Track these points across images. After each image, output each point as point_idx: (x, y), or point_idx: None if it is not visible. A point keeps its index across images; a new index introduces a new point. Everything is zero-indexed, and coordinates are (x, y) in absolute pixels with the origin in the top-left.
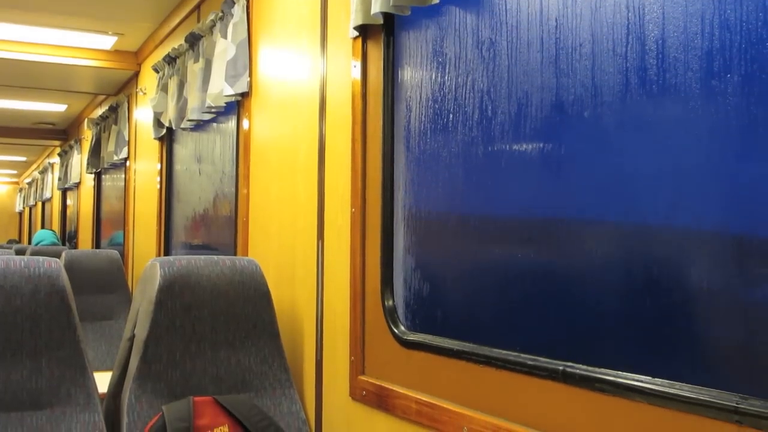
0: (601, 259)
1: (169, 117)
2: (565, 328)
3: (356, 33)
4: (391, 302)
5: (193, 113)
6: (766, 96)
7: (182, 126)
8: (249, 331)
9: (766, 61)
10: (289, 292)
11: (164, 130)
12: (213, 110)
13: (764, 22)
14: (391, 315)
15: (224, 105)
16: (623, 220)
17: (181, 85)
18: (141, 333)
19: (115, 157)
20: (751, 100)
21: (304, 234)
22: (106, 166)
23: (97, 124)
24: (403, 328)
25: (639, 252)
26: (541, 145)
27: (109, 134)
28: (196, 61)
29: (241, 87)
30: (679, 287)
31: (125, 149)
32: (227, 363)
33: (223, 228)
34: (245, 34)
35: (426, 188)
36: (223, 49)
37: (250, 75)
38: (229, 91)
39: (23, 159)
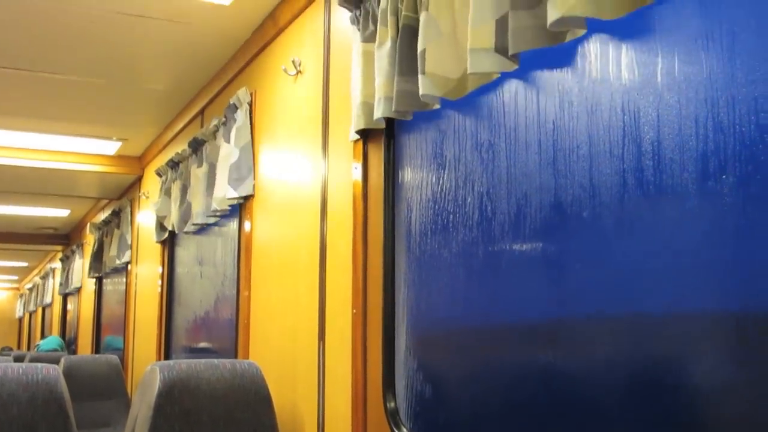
0: (603, 357)
1: (172, 221)
2: (573, 430)
3: (357, 136)
4: (393, 404)
5: (198, 217)
6: (760, 196)
7: (186, 230)
8: None
9: (760, 162)
10: (291, 394)
11: (166, 234)
12: (218, 213)
13: (756, 125)
14: (393, 417)
15: (228, 208)
16: (624, 317)
17: (184, 189)
18: None
19: (118, 261)
20: (746, 200)
21: (306, 336)
22: (108, 270)
23: (100, 228)
24: (405, 430)
25: (642, 349)
26: (541, 245)
27: (112, 238)
28: (200, 165)
29: (246, 190)
30: (685, 384)
31: (128, 253)
32: None
33: (224, 330)
34: (248, 138)
35: (427, 289)
36: (227, 153)
37: (254, 177)
38: (233, 194)
39: (24, 264)
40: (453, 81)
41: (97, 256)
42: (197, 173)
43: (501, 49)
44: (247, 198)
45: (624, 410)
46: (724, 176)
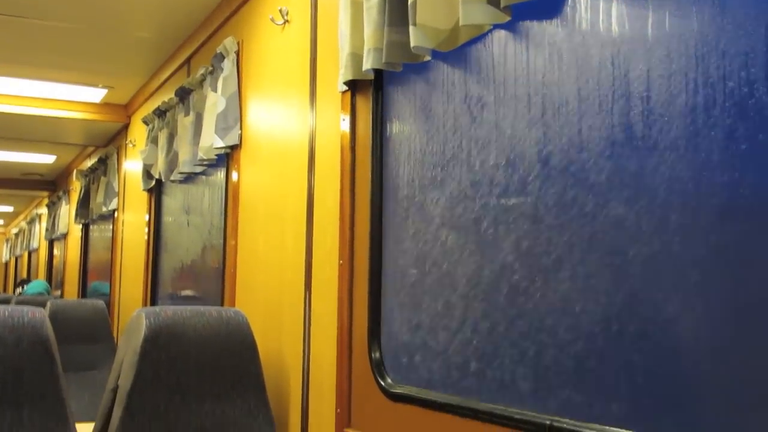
0: (589, 308)
1: (159, 169)
2: (552, 382)
3: (345, 88)
4: (378, 354)
5: (184, 166)
6: (747, 151)
7: (172, 178)
8: (234, 383)
9: (748, 118)
10: (276, 343)
11: (153, 182)
12: (204, 162)
13: (746, 80)
14: (377, 367)
15: (215, 157)
16: (610, 269)
17: (171, 138)
18: (125, 384)
19: (104, 209)
20: (733, 155)
21: (292, 285)
22: (94, 217)
23: (86, 175)
24: (389, 380)
25: (629, 302)
26: (528, 199)
27: (98, 186)
28: (187, 114)
29: (232, 139)
30: (667, 341)
31: (115, 200)
32: (212, 415)
33: (211, 279)
34: (235, 88)
35: (413, 242)
36: (214, 102)
37: (241, 127)
38: (220, 143)
39: (10, 209)
40: (444, 32)
41: (84, 203)
42: (184, 122)
43: (493, 0)
44: (234, 148)
45: (605, 360)
46: (712, 132)
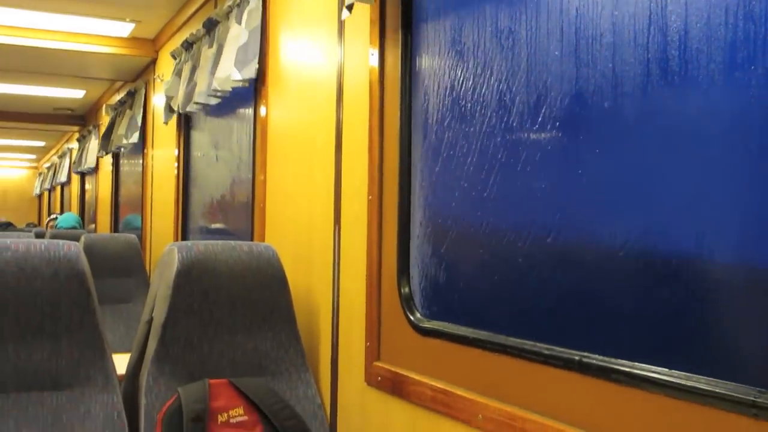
0: (618, 249)
1: (178, 101)
2: (583, 318)
3: (348, 12)
4: (407, 289)
5: (199, 96)
6: None
7: (188, 109)
8: (266, 316)
9: None
10: (306, 277)
11: (174, 115)
12: (218, 94)
13: None
14: (407, 302)
15: (230, 90)
16: (641, 214)
17: (194, 70)
18: (159, 316)
19: (125, 141)
20: None
21: (321, 220)
22: (114, 149)
23: (115, 109)
24: (419, 315)
25: (656, 242)
26: (560, 137)
27: (123, 118)
28: (210, 46)
29: (249, 73)
30: (697, 277)
31: (136, 134)
32: (243, 347)
33: (240, 214)
34: (258, 21)
35: (443, 177)
36: (236, 34)
37: (266, 61)
38: (237, 76)
39: (42, 144)
40: None
41: (107, 135)
42: (207, 53)
43: None
44: (260, 81)
45: (634, 299)
46: (752, 67)
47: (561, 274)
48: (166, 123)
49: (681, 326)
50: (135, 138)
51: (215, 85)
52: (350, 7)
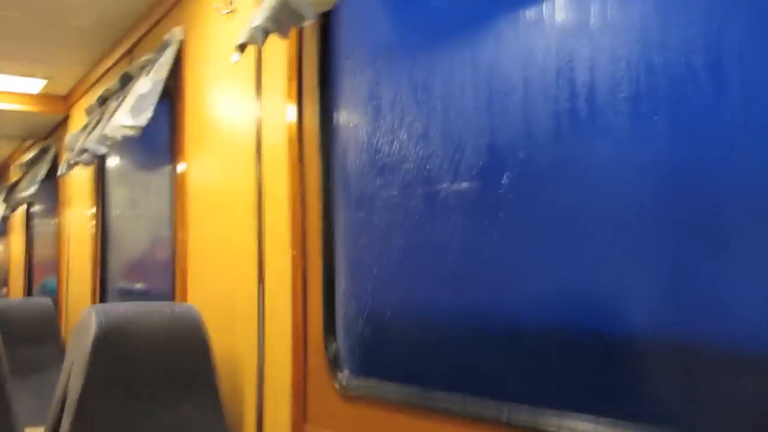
0: (543, 300)
1: (75, 152)
2: (509, 369)
3: (239, 55)
4: (333, 347)
5: (89, 144)
6: (688, 137)
7: (77, 159)
8: (188, 384)
9: (690, 104)
10: (230, 338)
11: (70, 168)
12: (108, 143)
13: (687, 66)
14: (333, 360)
15: (119, 138)
16: (560, 255)
17: (98, 123)
18: (75, 388)
19: (23, 194)
20: (675, 140)
21: (245, 278)
22: (13, 203)
23: (26, 167)
24: (346, 373)
25: (580, 292)
26: (476, 186)
27: (28, 174)
28: (119, 99)
29: (141, 120)
30: (621, 328)
31: (34, 188)
32: (166, 418)
33: (161, 273)
34: (165, 74)
35: (365, 232)
36: (141, 85)
37: (184, 116)
38: (128, 122)
39: None
40: None
41: (9, 192)
42: (112, 107)
43: None
44: (176, 136)
45: (560, 350)
46: (655, 117)
47: (488, 323)
48: (59, 177)
49: (608, 375)
50: (31, 193)
51: (106, 131)
52: (242, 47)
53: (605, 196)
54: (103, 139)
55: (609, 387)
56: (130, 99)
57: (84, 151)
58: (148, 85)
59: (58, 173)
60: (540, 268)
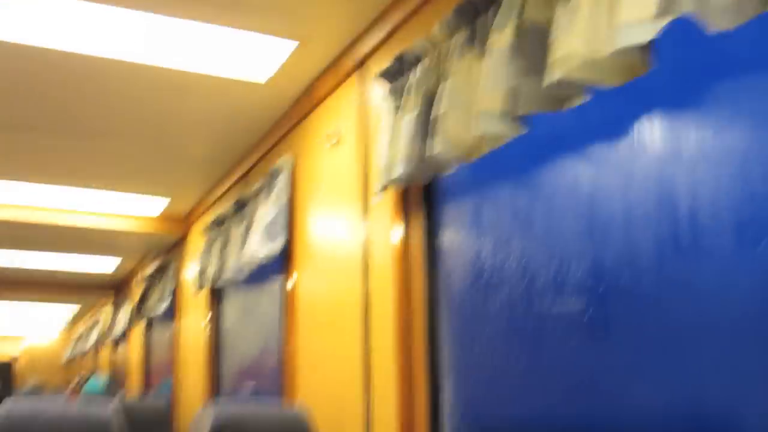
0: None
1: (209, 275)
2: None
3: (380, 195)
4: None
5: (229, 272)
6: None
7: (219, 284)
8: None
9: None
10: None
11: (204, 286)
12: (246, 269)
13: None
14: None
15: (256, 265)
16: (665, 374)
17: (224, 246)
18: None
19: (157, 311)
20: None
21: (350, 386)
22: (146, 316)
23: (148, 281)
24: None
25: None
26: (581, 310)
27: (155, 289)
28: (240, 223)
29: (276, 248)
30: None
31: (165, 304)
32: None
33: (269, 385)
34: (286, 199)
35: (469, 347)
36: (264, 212)
37: (294, 236)
38: (264, 251)
39: (73, 313)
40: (465, 144)
41: (140, 304)
42: (236, 231)
43: (508, 112)
44: (288, 255)
45: None
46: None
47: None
48: (195, 295)
49: None
50: (164, 307)
51: (243, 260)
52: (385, 188)
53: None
54: (243, 265)
55: None
56: (258, 227)
57: (219, 276)
58: (272, 212)
59: (193, 291)
60: (648, 388)
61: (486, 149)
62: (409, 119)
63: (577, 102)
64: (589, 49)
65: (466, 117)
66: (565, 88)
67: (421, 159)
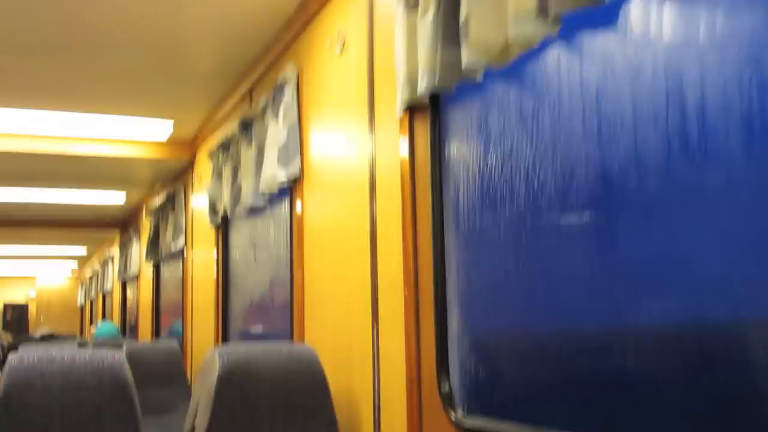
0: (658, 329)
1: (224, 204)
2: (626, 408)
3: (402, 113)
4: (447, 386)
5: (248, 199)
6: None
7: (237, 212)
8: (307, 421)
9: None
10: (346, 377)
11: (219, 217)
12: (265, 197)
13: None
14: (447, 400)
15: (276, 190)
16: (677, 291)
17: (235, 172)
18: (202, 424)
19: (173, 247)
20: None
21: (359, 318)
22: (164, 256)
23: (156, 213)
24: (460, 412)
25: (696, 316)
26: (588, 217)
27: (167, 224)
28: (249, 146)
29: (293, 172)
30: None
31: (182, 238)
32: None
33: (279, 313)
34: (295, 118)
35: (477, 268)
36: (275, 133)
37: (302, 158)
38: (282, 176)
39: (83, 252)
40: (496, 48)
41: (154, 242)
42: (247, 155)
43: (542, 12)
44: (296, 179)
45: (678, 390)
46: None
47: (603, 360)
48: (212, 226)
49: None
50: (182, 242)
51: (262, 187)
52: (408, 106)
53: (720, 220)
54: (263, 190)
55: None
56: (272, 149)
57: (236, 203)
58: (284, 134)
59: (209, 223)
60: (657, 300)
61: (516, 53)
62: (428, 20)
63: None
64: None
65: (496, 18)
66: None
67: (445, 68)
